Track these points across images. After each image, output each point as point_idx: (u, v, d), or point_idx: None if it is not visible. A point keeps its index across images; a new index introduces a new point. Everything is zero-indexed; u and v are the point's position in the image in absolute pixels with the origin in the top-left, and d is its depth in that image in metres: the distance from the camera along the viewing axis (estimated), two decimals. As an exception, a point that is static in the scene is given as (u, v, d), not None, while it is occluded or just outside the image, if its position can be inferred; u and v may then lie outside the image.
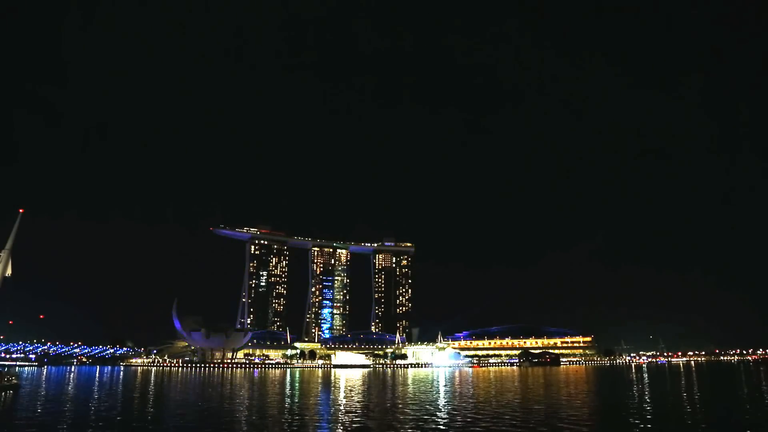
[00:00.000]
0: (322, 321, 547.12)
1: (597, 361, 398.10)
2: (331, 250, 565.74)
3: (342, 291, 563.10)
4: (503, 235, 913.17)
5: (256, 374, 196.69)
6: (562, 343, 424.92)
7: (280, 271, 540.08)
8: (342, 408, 63.17)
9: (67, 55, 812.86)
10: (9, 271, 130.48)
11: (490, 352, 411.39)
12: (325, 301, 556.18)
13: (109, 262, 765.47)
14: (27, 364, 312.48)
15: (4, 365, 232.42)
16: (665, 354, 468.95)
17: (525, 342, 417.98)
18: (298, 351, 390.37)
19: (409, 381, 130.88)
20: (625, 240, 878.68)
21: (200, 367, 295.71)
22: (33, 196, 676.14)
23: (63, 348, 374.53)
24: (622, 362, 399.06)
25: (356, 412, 57.12)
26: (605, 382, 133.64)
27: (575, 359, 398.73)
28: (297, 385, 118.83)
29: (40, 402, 70.43)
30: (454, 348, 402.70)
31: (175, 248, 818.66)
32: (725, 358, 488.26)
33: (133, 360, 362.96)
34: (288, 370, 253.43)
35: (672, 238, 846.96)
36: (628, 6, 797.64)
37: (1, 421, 53.33)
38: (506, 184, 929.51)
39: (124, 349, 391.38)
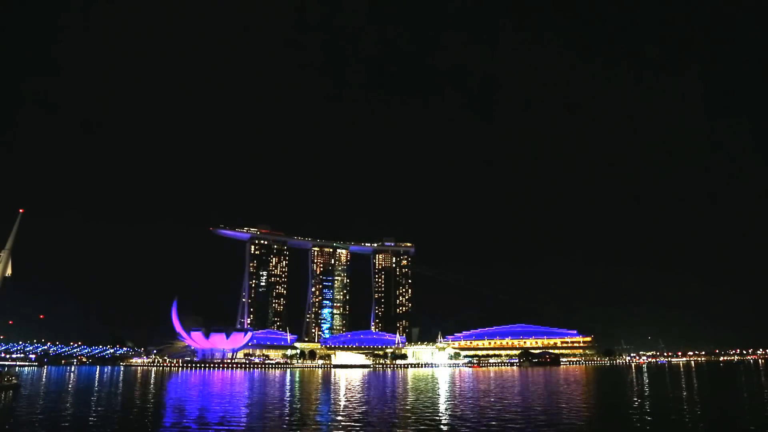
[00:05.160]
0: (322, 321, 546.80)
1: (597, 361, 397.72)
2: (331, 250, 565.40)
3: (342, 291, 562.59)
4: (503, 235, 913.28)
5: (256, 374, 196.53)
6: (562, 343, 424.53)
7: (280, 271, 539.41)
8: (341, 410, 63.13)
9: (65, 51, 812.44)
10: (9, 271, 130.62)
11: (490, 352, 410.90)
12: (325, 301, 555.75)
13: (109, 262, 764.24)
14: (27, 364, 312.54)
15: (4, 365, 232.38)
16: (665, 354, 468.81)
17: (525, 342, 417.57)
18: (298, 351, 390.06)
19: (409, 382, 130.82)
20: (626, 240, 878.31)
21: (200, 367, 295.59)
22: (33, 196, 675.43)
23: (63, 348, 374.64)
24: (622, 362, 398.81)
25: (357, 410, 57.04)
26: (605, 382, 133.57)
27: (575, 359, 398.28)
28: (297, 385, 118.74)
29: (40, 402, 70.36)
30: (454, 348, 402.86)
31: (175, 248, 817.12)
32: (725, 358, 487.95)
33: (133, 360, 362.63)
34: (288, 370, 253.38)
35: (672, 238, 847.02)
36: (627, 5, 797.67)
37: (1, 421, 53.28)
38: (506, 183, 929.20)
39: (124, 349, 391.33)
